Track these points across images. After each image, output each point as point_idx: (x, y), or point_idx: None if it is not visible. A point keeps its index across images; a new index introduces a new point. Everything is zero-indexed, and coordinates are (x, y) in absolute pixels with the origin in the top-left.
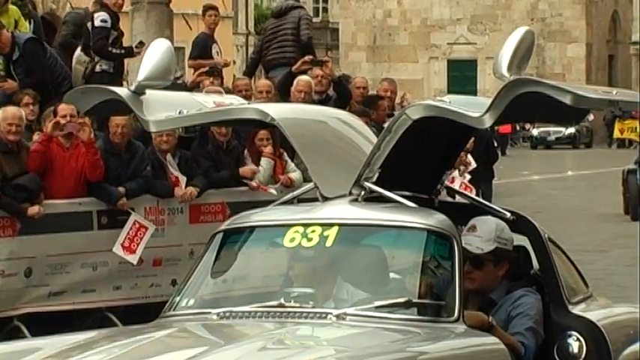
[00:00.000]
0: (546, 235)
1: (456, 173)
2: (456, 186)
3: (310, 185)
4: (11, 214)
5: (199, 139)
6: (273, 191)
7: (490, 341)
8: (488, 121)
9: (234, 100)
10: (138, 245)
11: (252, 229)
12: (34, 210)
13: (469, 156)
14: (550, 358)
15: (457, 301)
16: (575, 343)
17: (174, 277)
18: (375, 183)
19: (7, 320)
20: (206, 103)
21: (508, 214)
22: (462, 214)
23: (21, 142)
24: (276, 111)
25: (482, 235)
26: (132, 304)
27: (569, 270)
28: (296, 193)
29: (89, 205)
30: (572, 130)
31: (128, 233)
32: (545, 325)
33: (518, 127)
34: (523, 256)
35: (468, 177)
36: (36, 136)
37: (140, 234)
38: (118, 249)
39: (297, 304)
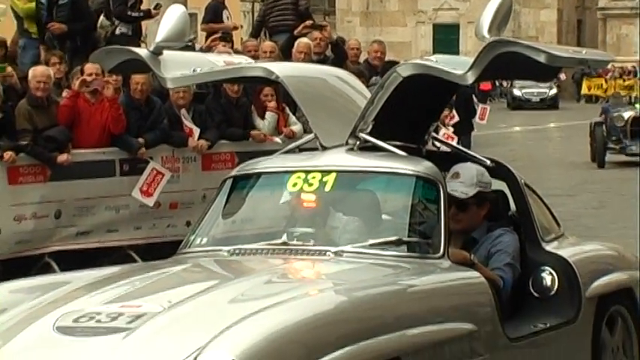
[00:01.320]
0: (522, 181)
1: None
2: (440, 136)
3: (311, 136)
4: (42, 162)
5: (213, 95)
6: (278, 140)
7: (472, 275)
8: (470, 78)
9: (243, 60)
10: (155, 190)
11: (259, 175)
12: (62, 158)
13: (453, 110)
14: (526, 291)
15: (442, 240)
16: (548, 277)
17: (188, 219)
18: (369, 134)
19: (39, 257)
20: (217, 62)
21: (488, 162)
22: (446, 161)
23: (50, 97)
24: (281, 69)
25: (465, 180)
26: (151, 242)
27: (542, 212)
28: (298, 142)
29: (112, 154)
30: (554, 91)
31: (146, 179)
32: (522, 261)
33: (497, 84)
34: (502, 199)
35: (451, 129)
36: (65, 93)
37: (157, 180)
38: (136, 193)
39: (300, 243)
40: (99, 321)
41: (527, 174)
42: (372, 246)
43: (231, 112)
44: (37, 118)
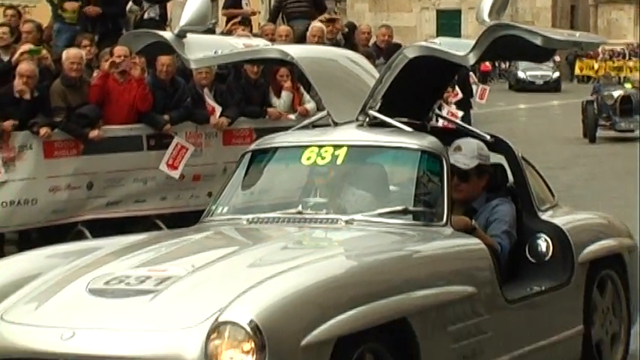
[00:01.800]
0: (519, 154)
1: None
2: (444, 113)
3: (323, 113)
4: (75, 137)
5: (233, 76)
6: (293, 117)
7: (472, 242)
8: (472, 59)
9: (260, 42)
10: (180, 163)
11: (276, 149)
12: (94, 134)
13: (456, 88)
14: (523, 256)
15: (445, 209)
16: (543, 243)
17: (210, 190)
18: (378, 111)
19: (72, 225)
20: (237, 44)
21: (487, 137)
22: (449, 136)
23: (82, 77)
24: (295, 51)
25: (467, 153)
26: (175, 212)
27: (538, 183)
28: (311, 119)
29: (140, 130)
30: (557, 74)
31: (171, 153)
32: (518, 229)
33: (496, 65)
34: (500, 171)
35: (454, 106)
36: (95, 73)
37: (182, 154)
38: (163, 167)
39: (313, 212)
40: (128, 283)
41: (524, 148)
42: (380, 215)
43: (250, 92)
44: (71, 97)
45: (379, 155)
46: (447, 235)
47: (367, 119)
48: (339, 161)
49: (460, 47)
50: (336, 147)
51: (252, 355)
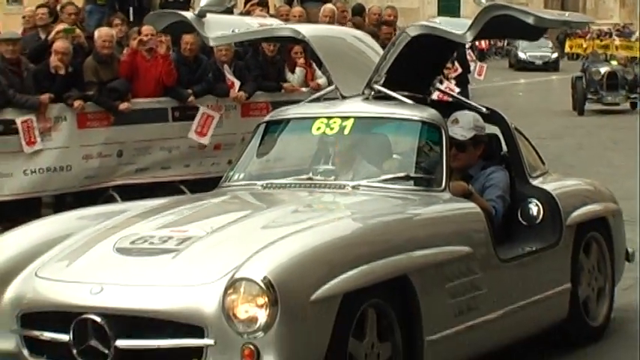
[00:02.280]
0: (513, 126)
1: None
2: (443, 88)
3: (332, 87)
4: (106, 109)
5: (251, 53)
6: (305, 90)
7: (469, 205)
8: (469, 37)
9: (274, 22)
10: (208, 130)
11: (288, 120)
12: (124, 106)
13: (456, 64)
14: (515, 220)
15: (444, 175)
16: (534, 207)
17: (229, 158)
18: (382, 85)
19: (104, 190)
20: (253, 24)
21: (483, 109)
22: (448, 109)
23: (113, 54)
24: (307, 30)
25: (464, 125)
26: (198, 178)
27: (530, 152)
28: (321, 92)
29: (165, 103)
30: (556, 54)
31: (199, 122)
32: (512, 194)
33: (491, 43)
34: (495, 141)
35: (453, 81)
36: (125, 50)
37: (208, 122)
38: (192, 135)
39: (322, 178)
40: (152, 243)
41: (518, 120)
42: (384, 181)
43: (266, 68)
44: (102, 72)
45: (383, 126)
46: (445, 199)
47: (372, 93)
48: (346, 131)
49: (458, 26)
50: (344, 118)
51: (266, 308)
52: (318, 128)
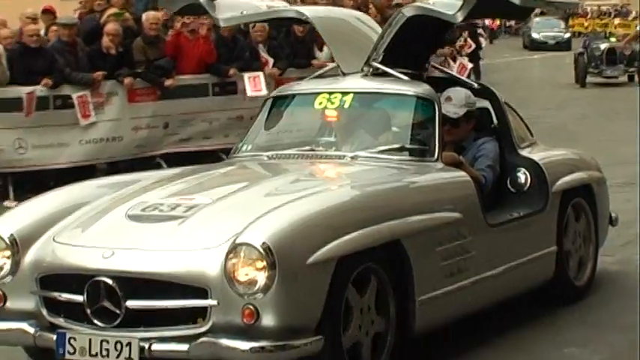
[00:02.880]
0: (502, 100)
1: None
2: (456, 64)
3: (334, 64)
4: (154, 85)
5: (284, 33)
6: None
7: (459, 174)
8: (459, 17)
9: (281, 4)
10: (261, 85)
11: (293, 95)
12: (169, 82)
13: (469, 40)
14: (504, 187)
15: (437, 146)
16: (522, 176)
17: None
18: (380, 63)
19: (152, 158)
20: (261, 6)
21: (475, 85)
22: (442, 84)
23: (159, 35)
24: (309, 11)
25: (456, 103)
26: None
27: (519, 125)
28: (323, 70)
29: (206, 79)
30: (568, 35)
31: (250, 84)
32: (501, 164)
33: (501, 22)
34: (486, 114)
35: (466, 58)
36: (170, 31)
37: (257, 81)
38: (251, 94)
39: (324, 149)
40: (161, 210)
41: (526, 92)
42: (381, 152)
43: (297, 47)
44: (149, 52)
45: (380, 101)
46: (437, 169)
47: (371, 70)
48: (346, 106)
49: (450, 7)
50: (344, 94)
51: (265, 272)
52: (320, 103)
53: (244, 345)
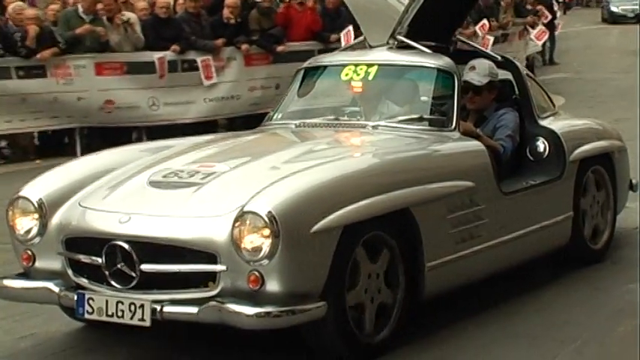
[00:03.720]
0: (525, 72)
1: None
2: (536, 31)
3: (361, 38)
4: (267, 51)
5: None
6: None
7: (474, 144)
8: None
9: None
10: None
11: (322, 67)
12: (280, 48)
13: (546, 11)
14: (524, 155)
15: (455, 117)
16: (541, 145)
17: None
18: (406, 36)
19: (265, 114)
20: None
21: (499, 57)
22: (468, 57)
23: (272, 7)
24: None
25: (480, 72)
26: None
27: (542, 96)
28: (352, 42)
29: (312, 46)
30: None
31: (345, 36)
32: (521, 133)
33: None
34: (508, 85)
35: (543, 27)
36: (281, 4)
37: (349, 34)
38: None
39: (347, 119)
40: (180, 177)
41: (596, 57)
42: (400, 122)
43: None
44: (263, 22)
45: (403, 73)
46: (454, 138)
47: (396, 43)
48: (370, 77)
49: None
50: (369, 65)
51: (269, 239)
52: (347, 74)
53: (250, 310)
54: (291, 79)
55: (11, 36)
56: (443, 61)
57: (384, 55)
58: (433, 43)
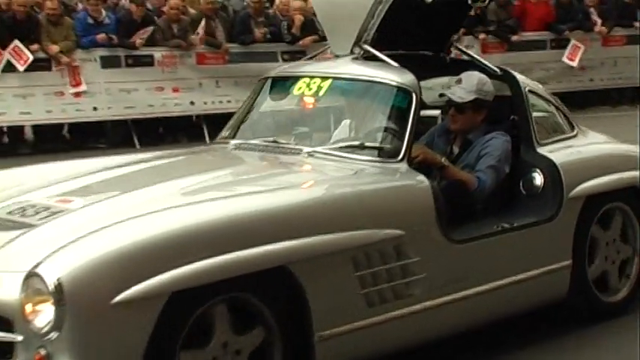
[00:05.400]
0: (526, 89)
1: None
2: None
3: (327, 45)
4: (502, 40)
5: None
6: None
7: (417, 180)
8: None
9: None
10: (576, 56)
11: (278, 78)
12: (515, 38)
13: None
14: (517, 190)
15: (404, 146)
16: (537, 177)
17: (590, 77)
18: (377, 43)
19: None
20: None
21: (498, 71)
22: (465, 68)
23: (509, 0)
24: None
25: (466, 87)
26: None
27: (551, 116)
28: (318, 51)
29: (545, 36)
30: None
31: (570, 50)
32: (517, 163)
33: None
34: (507, 104)
35: None
36: None
37: (576, 50)
38: (564, 59)
39: (285, 141)
40: (24, 214)
41: None
42: (341, 149)
43: (623, 9)
44: (500, 13)
45: (357, 89)
46: (400, 171)
47: (362, 52)
48: (321, 93)
49: None
50: (323, 79)
51: (55, 308)
52: (299, 88)
53: None
54: (251, 91)
55: (278, 24)
56: (403, 77)
57: (340, 67)
58: (423, 51)
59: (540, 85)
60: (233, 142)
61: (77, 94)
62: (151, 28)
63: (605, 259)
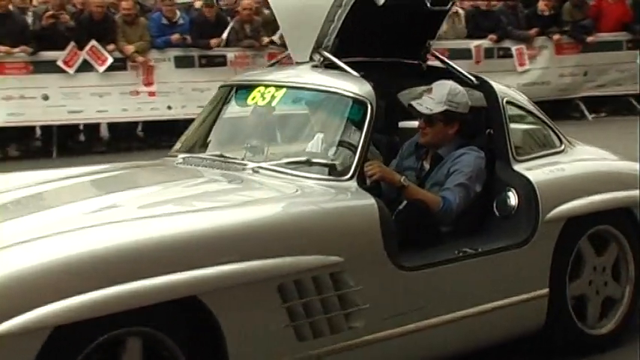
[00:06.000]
0: (505, 100)
1: None
2: None
3: (288, 52)
4: (577, 41)
5: None
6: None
7: (364, 202)
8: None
9: None
10: None
11: (234, 86)
12: (590, 38)
13: None
14: (491, 210)
15: (355, 163)
16: (511, 197)
17: None
18: (338, 50)
19: (571, 100)
20: None
21: (474, 80)
22: (442, 77)
23: (585, 0)
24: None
25: (435, 97)
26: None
27: (535, 130)
28: (279, 57)
29: (620, 37)
30: None
31: None
32: (492, 181)
33: None
34: (484, 117)
35: None
36: None
37: None
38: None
39: (231, 156)
40: None
41: None
42: (285, 165)
43: None
44: (575, 14)
45: (310, 99)
46: (342, 192)
47: (322, 59)
48: (273, 103)
49: None
50: (278, 87)
51: None
52: (253, 98)
53: None
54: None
55: None
56: (359, 88)
57: (297, 75)
58: (408, 59)
59: (524, 96)
60: (181, 155)
61: (151, 94)
62: (225, 37)
63: (589, 283)
